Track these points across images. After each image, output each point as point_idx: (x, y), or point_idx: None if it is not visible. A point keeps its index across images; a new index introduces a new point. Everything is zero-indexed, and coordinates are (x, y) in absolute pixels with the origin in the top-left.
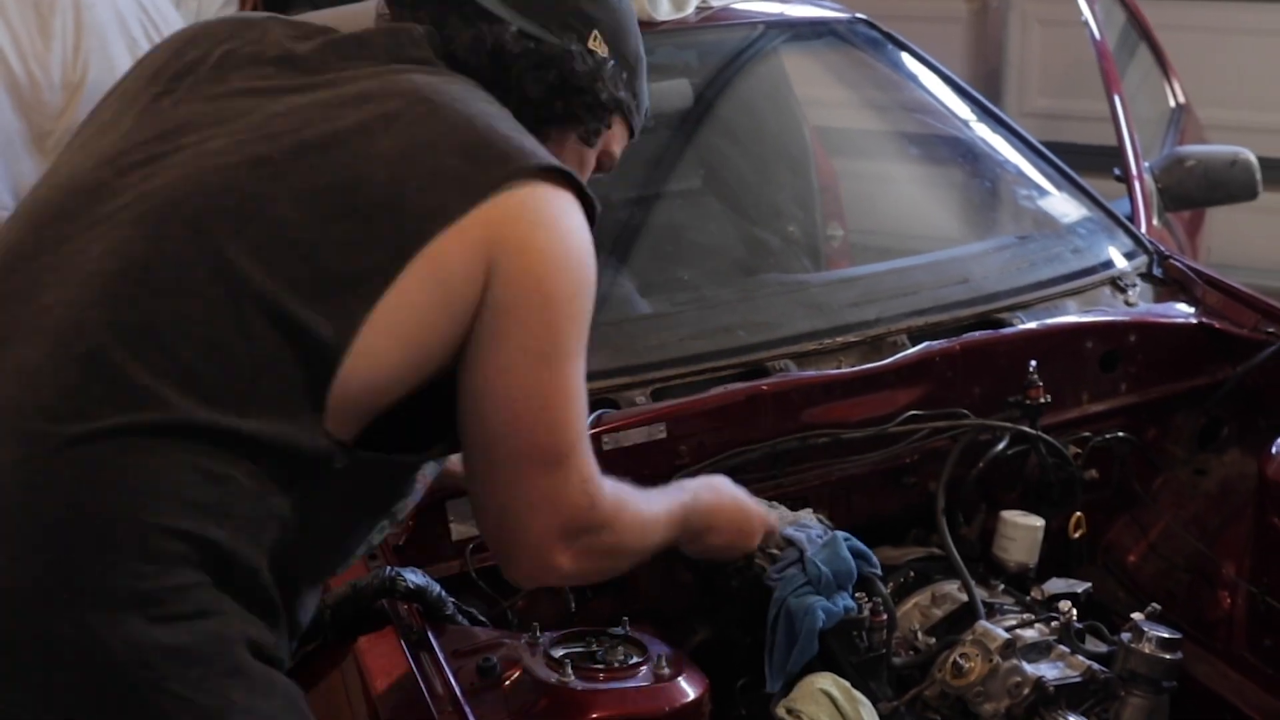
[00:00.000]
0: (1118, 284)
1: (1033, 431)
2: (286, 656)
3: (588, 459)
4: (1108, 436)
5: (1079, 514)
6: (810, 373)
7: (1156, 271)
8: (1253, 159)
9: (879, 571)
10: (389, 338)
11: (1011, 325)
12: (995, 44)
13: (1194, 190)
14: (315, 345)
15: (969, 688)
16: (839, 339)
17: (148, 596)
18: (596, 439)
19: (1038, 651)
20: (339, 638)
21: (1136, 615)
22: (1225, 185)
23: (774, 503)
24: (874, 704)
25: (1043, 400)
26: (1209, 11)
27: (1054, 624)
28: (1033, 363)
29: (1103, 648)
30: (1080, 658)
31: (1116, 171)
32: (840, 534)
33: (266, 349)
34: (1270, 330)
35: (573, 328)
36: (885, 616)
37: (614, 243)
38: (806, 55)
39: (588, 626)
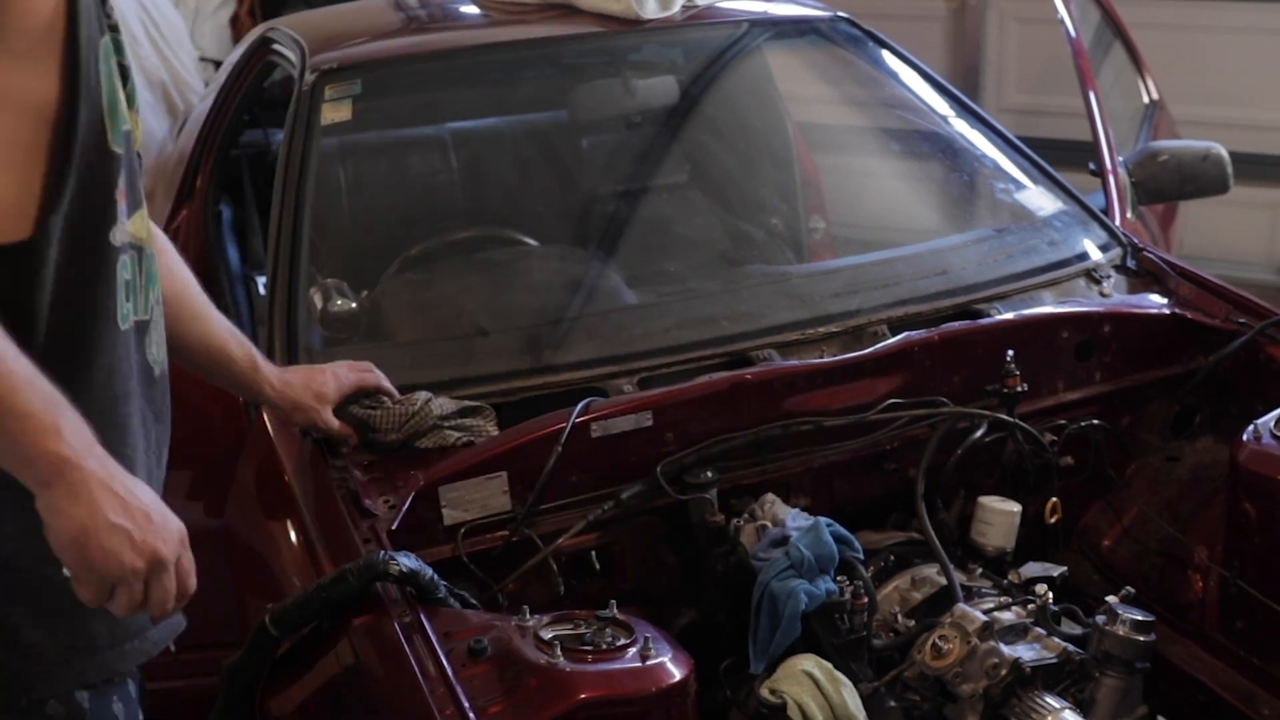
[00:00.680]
0: (1093, 275)
1: (1010, 419)
2: None
3: None
4: (1083, 424)
5: (1055, 499)
6: (793, 362)
7: (1130, 263)
8: (1224, 154)
9: (860, 555)
10: None
11: (989, 316)
12: (974, 42)
13: (1167, 184)
14: None
15: (948, 669)
16: (821, 329)
17: None
18: (584, 427)
19: (1015, 634)
20: (333, 621)
21: (1111, 598)
22: (1197, 179)
23: (775, 497)
24: (855, 685)
25: (1019, 389)
26: (1182, 10)
27: (1030, 607)
28: (1010, 352)
29: (1078, 630)
30: (1056, 640)
31: (1091, 166)
32: (822, 519)
33: None
34: (1241, 321)
35: None
36: (866, 599)
37: (602, 236)
38: (790, 53)
39: (576, 609)
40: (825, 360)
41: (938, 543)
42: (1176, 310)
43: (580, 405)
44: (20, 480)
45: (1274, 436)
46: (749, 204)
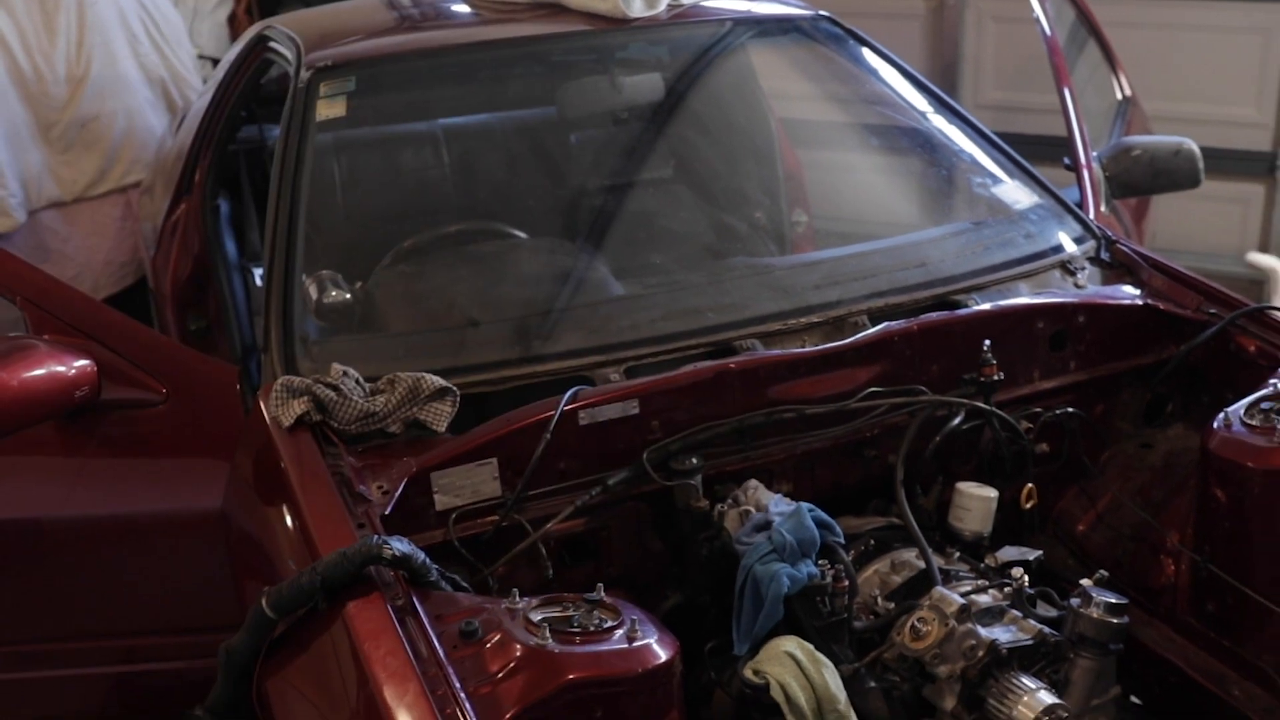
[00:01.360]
0: (1067, 267)
1: (987, 407)
2: None
3: None
4: (1058, 412)
5: (1030, 485)
6: (776, 351)
7: (1104, 255)
8: (1195, 149)
9: (841, 540)
10: None
11: (966, 306)
12: (951, 40)
13: (1140, 178)
14: None
15: (926, 650)
16: (803, 319)
17: None
18: (573, 415)
19: (991, 616)
20: (328, 603)
21: (1085, 582)
22: (1170, 174)
23: (759, 483)
24: (836, 666)
25: (996, 378)
26: (1155, 9)
27: (1007, 590)
28: (987, 342)
29: (1053, 612)
30: (1032, 622)
31: (1066, 161)
32: (804, 504)
33: None
34: (1212, 311)
35: None
36: (847, 583)
37: (589, 229)
38: (772, 50)
39: (565, 592)
40: (807, 350)
41: (916, 528)
42: (1149, 301)
43: (568, 394)
44: None
45: (1244, 424)
46: (733, 198)
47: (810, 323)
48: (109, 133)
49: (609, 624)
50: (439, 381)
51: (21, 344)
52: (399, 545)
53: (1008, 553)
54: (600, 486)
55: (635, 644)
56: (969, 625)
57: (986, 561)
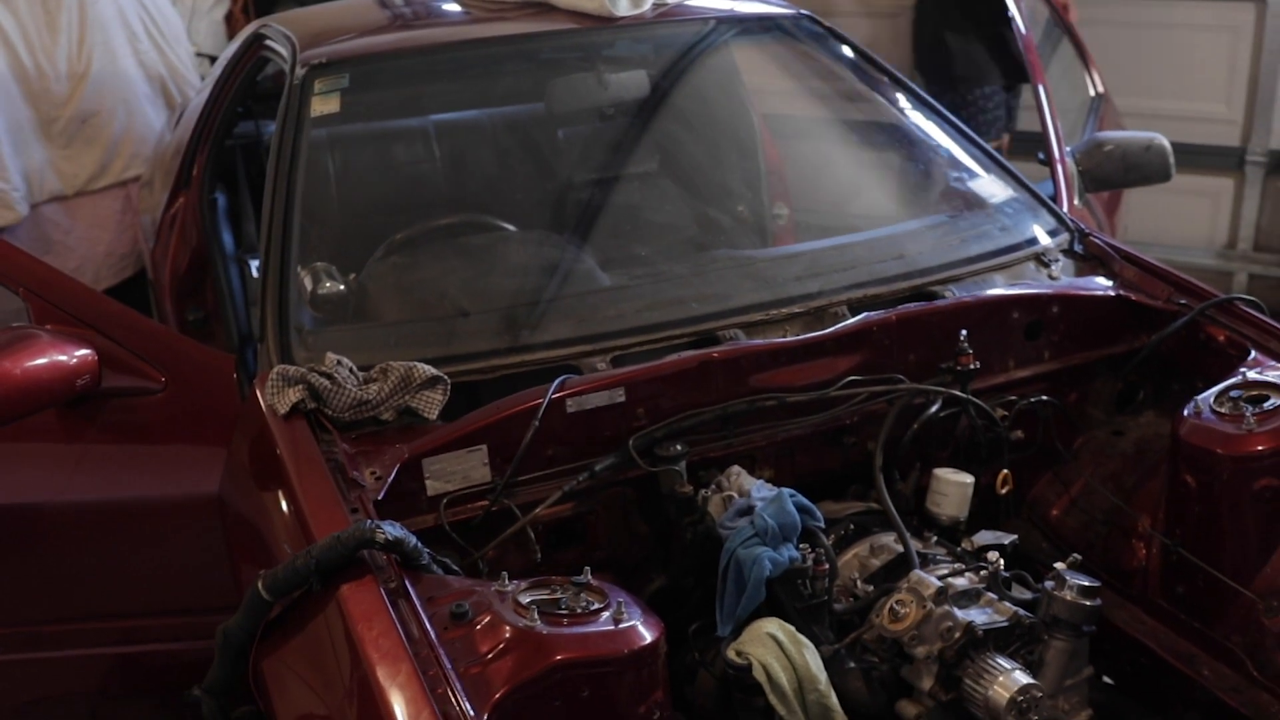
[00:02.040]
0: (1041, 259)
1: (963, 395)
2: None
3: None
4: (1032, 400)
5: (1006, 471)
6: (758, 341)
7: (1077, 248)
8: (1166, 144)
9: (821, 524)
10: None
11: (943, 297)
12: None
13: (1112, 173)
14: None
15: (904, 632)
16: (784, 310)
17: None
18: (560, 403)
19: (968, 598)
20: (323, 586)
21: (1059, 565)
22: (1141, 168)
23: (741, 469)
24: (817, 647)
25: (972, 366)
26: (1127, 8)
27: (983, 573)
28: (963, 332)
29: (1028, 595)
30: (1007, 604)
31: (1041, 155)
32: (785, 490)
33: None
34: (1182, 302)
35: None
36: (827, 566)
37: (576, 222)
38: (755, 48)
39: (553, 576)
40: (788, 339)
41: (895, 512)
42: (1121, 292)
43: (556, 382)
44: None
45: (1213, 412)
46: (716, 191)
47: (791, 313)
48: (109, 128)
49: (596, 606)
50: (430, 370)
51: (24, 334)
52: (391, 529)
53: (984, 537)
54: (587, 472)
55: (621, 626)
56: (946, 607)
57: (963, 545)
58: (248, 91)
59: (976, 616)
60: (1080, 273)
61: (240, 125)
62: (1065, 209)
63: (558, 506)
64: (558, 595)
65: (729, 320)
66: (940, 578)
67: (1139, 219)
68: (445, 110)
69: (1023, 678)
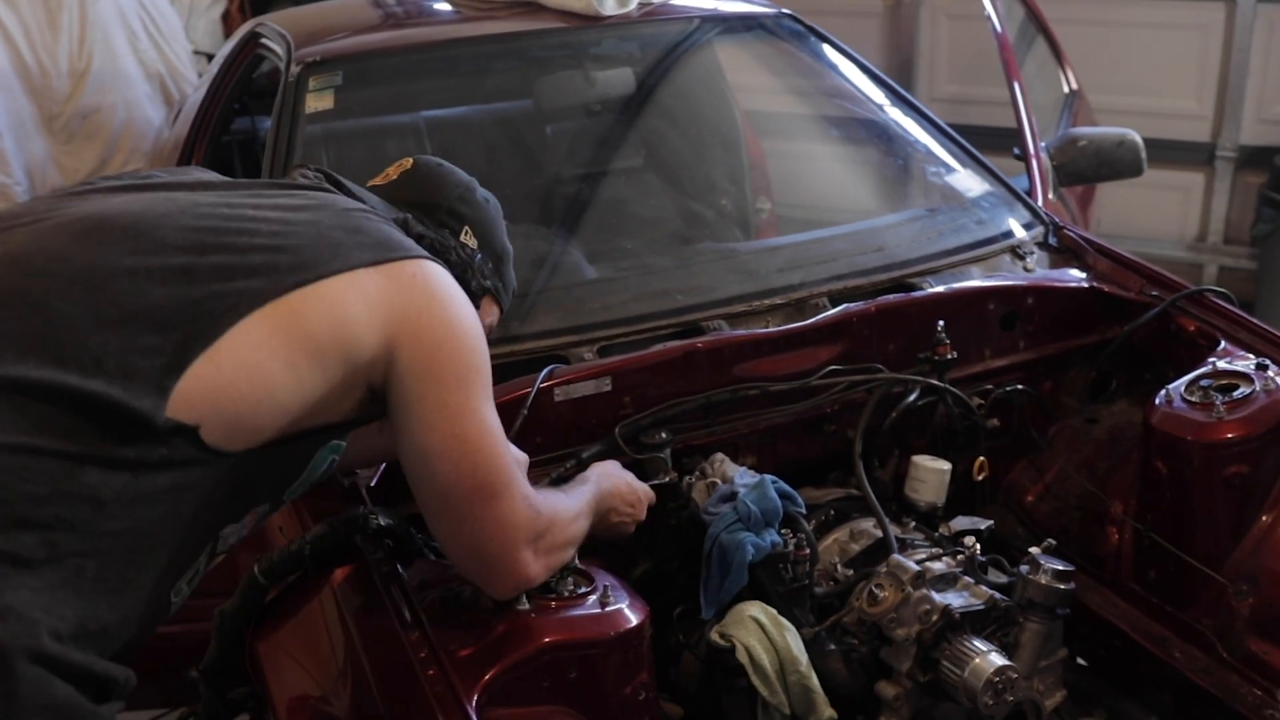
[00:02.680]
0: (1017, 252)
1: (941, 384)
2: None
3: (521, 478)
4: (1008, 389)
5: (982, 458)
6: (741, 331)
7: (1052, 241)
8: (1138, 139)
9: (803, 510)
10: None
11: (921, 289)
12: (908, 36)
13: (1085, 168)
14: None
15: (883, 615)
16: (766, 301)
17: None
18: (549, 392)
19: (945, 582)
20: (317, 571)
21: (1034, 549)
22: (1114, 163)
23: (725, 456)
24: (798, 629)
25: (950, 356)
26: (1100, 7)
27: (960, 557)
28: (940, 322)
29: (1003, 579)
30: (983, 588)
31: (1016, 151)
32: (768, 477)
33: None
34: (1154, 293)
35: (479, 378)
36: (808, 551)
37: (564, 215)
38: (737, 46)
39: None
40: (770, 330)
41: (874, 498)
42: (1094, 284)
43: (544, 371)
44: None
45: (1184, 400)
46: (700, 186)
47: (773, 304)
48: (109, 124)
49: (583, 590)
50: None
51: None
52: (384, 516)
53: (960, 522)
54: (575, 460)
55: (608, 609)
56: (924, 591)
57: (940, 531)
58: (244, 88)
59: (953, 600)
60: (1055, 265)
61: (237, 121)
62: (1040, 203)
63: None
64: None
65: (713, 311)
66: (918, 562)
67: (1112, 213)
68: (436, 107)
69: (998, 659)
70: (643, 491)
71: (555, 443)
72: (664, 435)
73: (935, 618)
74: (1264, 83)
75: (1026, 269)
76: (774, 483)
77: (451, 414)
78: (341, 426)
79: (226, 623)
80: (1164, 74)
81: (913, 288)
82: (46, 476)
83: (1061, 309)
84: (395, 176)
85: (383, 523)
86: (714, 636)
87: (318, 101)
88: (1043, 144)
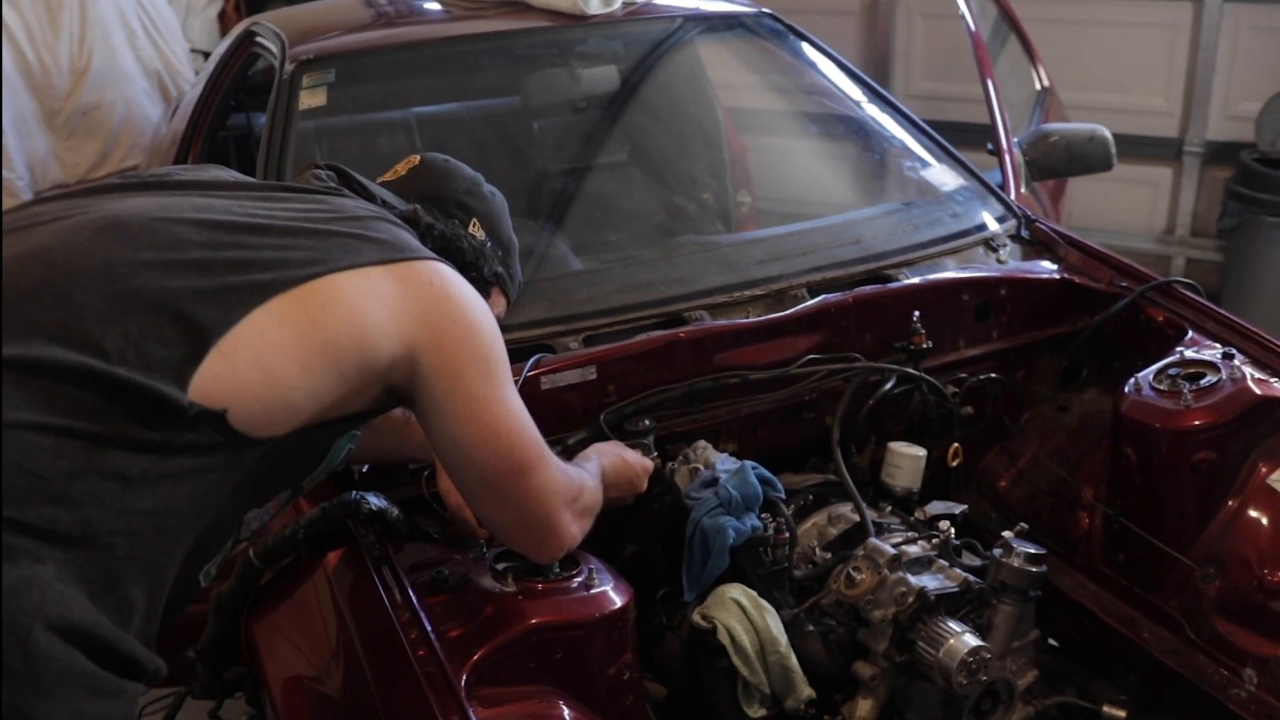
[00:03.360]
0: (990, 244)
1: (916, 373)
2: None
3: (548, 449)
4: (981, 377)
5: (956, 445)
6: (722, 322)
7: (1024, 233)
8: (1108, 135)
9: (782, 495)
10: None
11: (897, 280)
12: (884, 35)
13: (1057, 162)
14: None
15: (860, 596)
16: (747, 292)
17: None
18: (535, 380)
19: (920, 565)
20: (311, 554)
21: (1006, 533)
22: (1084, 158)
23: (706, 443)
24: (778, 611)
25: (925, 346)
26: (1071, 6)
27: (935, 541)
28: (916, 313)
29: (977, 562)
30: (958, 570)
31: (989, 146)
32: (748, 463)
33: None
34: (1123, 285)
35: (500, 368)
36: (787, 535)
37: (551, 209)
38: (719, 45)
39: None
40: (751, 320)
41: (851, 484)
42: (1065, 275)
43: (531, 360)
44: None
45: (1153, 389)
46: (682, 180)
47: (754, 295)
48: (109, 120)
49: (569, 573)
50: None
51: None
52: (375, 501)
53: (935, 507)
54: (560, 446)
55: (593, 591)
56: (900, 573)
57: (916, 515)
58: (239, 86)
59: (929, 582)
60: (1027, 257)
61: (232, 118)
62: (1013, 197)
63: None
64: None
65: (695, 302)
66: (894, 545)
67: (1082, 206)
68: (426, 103)
69: (972, 640)
70: (640, 465)
71: (542, 429)
72: (648, 422)
73: (911, 600)
74: (1230, 80)
75: (999, 261)
76: (754, 468)
77: (480, 406)
78: (361, 416)
79: (223, 605)
80: (1133, 72)
81: (889, 279)
82: (78, 455)
83: (1033, 300)
84: (404, 173)
85: (374, 507)
86: (696, 618)
87: (311, 98)
88: (1015, 139)
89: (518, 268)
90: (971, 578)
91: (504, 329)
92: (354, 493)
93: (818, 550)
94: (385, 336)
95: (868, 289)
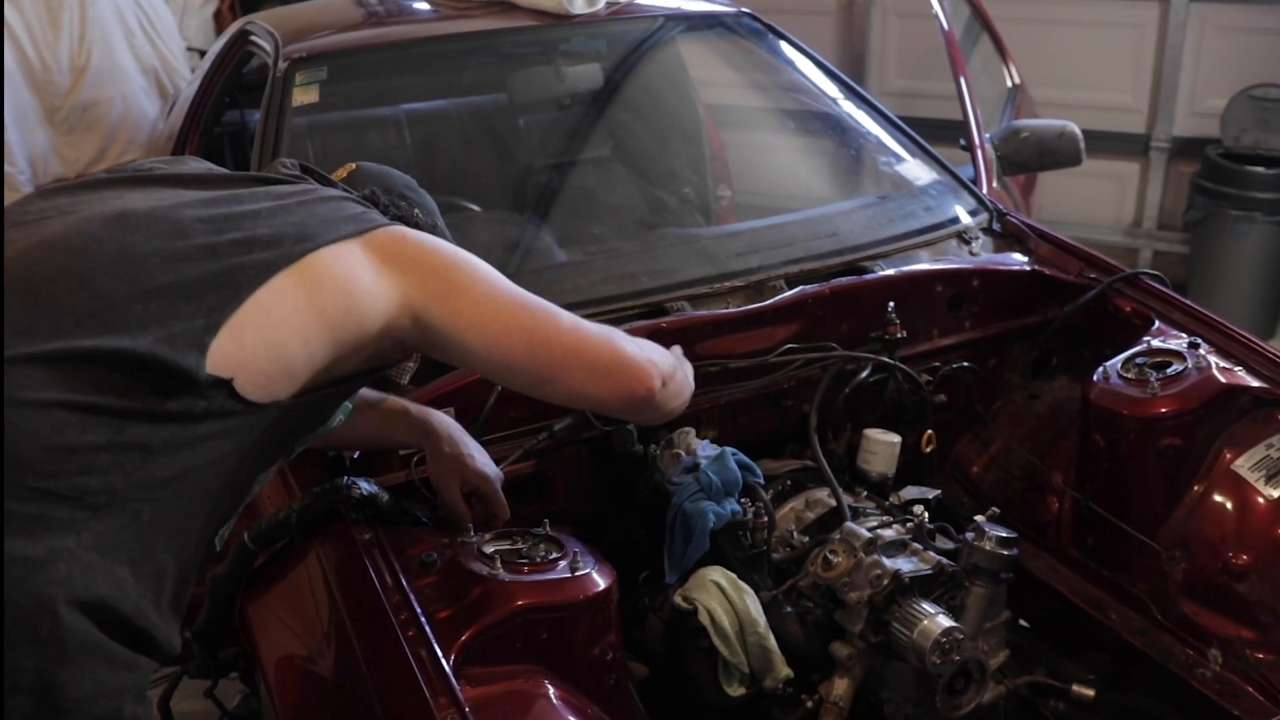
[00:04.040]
0: (963, 237)
1: (891, 362)
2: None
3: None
4: (954, 366)
5: (930, 432)
6: (703, 312)
7: (996, 226)
8: (1077, 131)
9: (761, 481)
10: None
11: (873, 272)
12: (860, 34)
13: (1028, 157)
14: None
15: (837, 579)
16: (727, 283)
17: None
18: None
19: (895, 548)
20: (303, 537)
21: (979, 518)
22: (1054, 153)
23: (688, 429)
24: (757, 593)
25: (900, 335)
26: (1042, 6)
27: (909, 525)
28: (891, 304)
29: (950, 545)
30: (931, 554)
31: (962, 142)
32: (728, 449)
33: None
34: (1092, 276)
35: (483, 273)
36: (766, 519)
37: (536, 203)
38: (700, 43)
39: (515, 527)
40: (731, 310)
41: (828, 469)
42: (1036, 267)
43: None
44: None
45: (1120, 377)
46: (664, 175)
47: (733, 286)
48: (108, 117)
49: (554, 556)
50: None
51: None
52: (366, 485)
53: (910, 492)
54: (547, 432)
55: (577, 574)
56: (875, 556)
57: (891, 500)
58: (234, 83)
59: (903, 565)
60: (998, 249)
61: (227, 114)
62: (985, 191)
63: (519, 464)
64: (519, 546)
65: (676, 293)
66: (870, 529)
67: (1052, 200)
68: (416, 100)
69: (945, 621)
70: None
71: (528, 416)
72: None
73: (886, 582)
74: (1195, 78)
75: (972, 253)
76: (734, 455)
77: (486, 308)
78: (358, 379)
79: (218, 586)
80: (1102, 69)
81: (865, 271)
82: (102, 428)
83: (1005, 291)
84: (345, 176)
85: (364, 491)
86: (677, 600)
87: (304, 95)
88: (987, 135)
89: None
90: (945, 560)
91: None
92: (345, 478)
93: (795, 534)
94: (376, 299)
95: (844, 280)
